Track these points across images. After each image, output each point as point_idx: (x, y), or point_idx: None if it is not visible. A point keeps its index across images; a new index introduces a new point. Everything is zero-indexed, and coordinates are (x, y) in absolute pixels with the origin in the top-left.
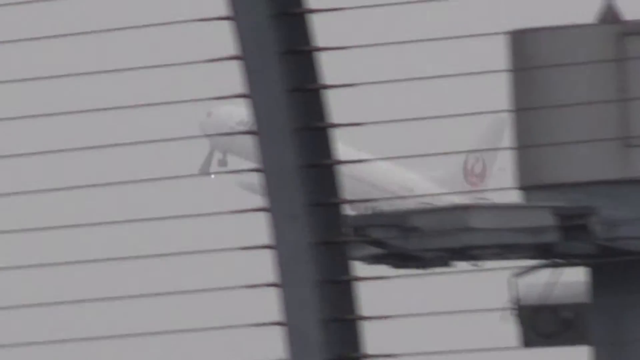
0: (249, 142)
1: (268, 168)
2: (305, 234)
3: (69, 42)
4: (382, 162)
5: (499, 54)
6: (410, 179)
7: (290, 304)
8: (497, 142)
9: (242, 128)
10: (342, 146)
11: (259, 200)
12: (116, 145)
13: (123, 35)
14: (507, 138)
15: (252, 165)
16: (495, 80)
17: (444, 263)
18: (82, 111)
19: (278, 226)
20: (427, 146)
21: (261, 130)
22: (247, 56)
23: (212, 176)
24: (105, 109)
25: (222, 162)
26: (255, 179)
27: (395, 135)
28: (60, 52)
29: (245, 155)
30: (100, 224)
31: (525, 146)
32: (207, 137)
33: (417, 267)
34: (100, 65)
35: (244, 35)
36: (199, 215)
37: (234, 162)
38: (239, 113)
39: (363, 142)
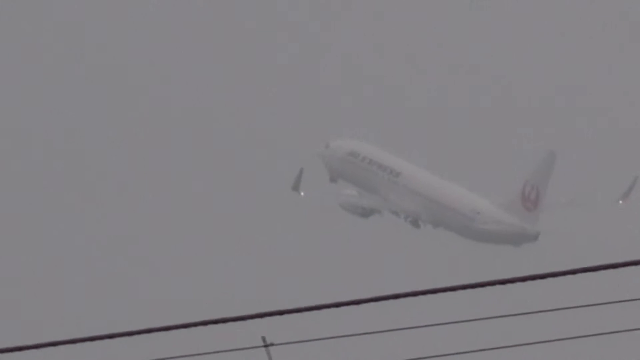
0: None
1: None
2: None
3: None
4: (457, 187)
5: None
6: (482, 203)
7: None
8: (548, 174)
9: (351, 159)
10: (422, 171)
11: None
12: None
13: None
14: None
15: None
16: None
17: None
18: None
19: None
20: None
21: None
22: None
23: (302, 193)
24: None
25: (332, 180)
26: (357, 200)
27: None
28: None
29: (353, 181)
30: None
31: None
32: (323, 163)
33: None
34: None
35: None
36: None
37: (342, 186)
38: (349, 145)
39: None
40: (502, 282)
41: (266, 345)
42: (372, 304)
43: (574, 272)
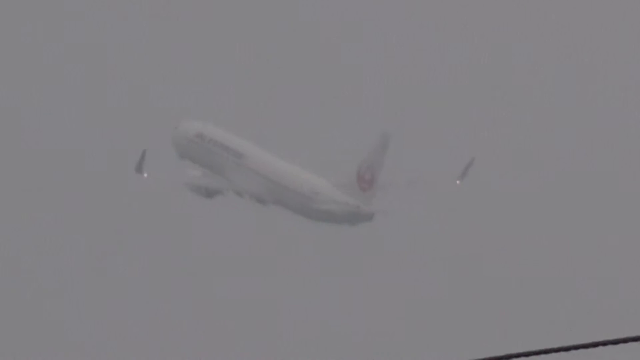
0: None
1: None
2: None
3: None
4: (297, 168)
5: None
6: (320, 183)
7: None
8: (382, 155)
9: (197, 140)
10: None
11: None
12: None
13: None
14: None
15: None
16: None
17: None
18: None
19: None
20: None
21: None
22: None
23: (145, 175)
24: None
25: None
26: (201, 181)
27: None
28: None
29: (199, 162)
30: None
31: None
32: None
33: None
34: None
35: None
36: None
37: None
38: (196, 127)
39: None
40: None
41: None
42: None
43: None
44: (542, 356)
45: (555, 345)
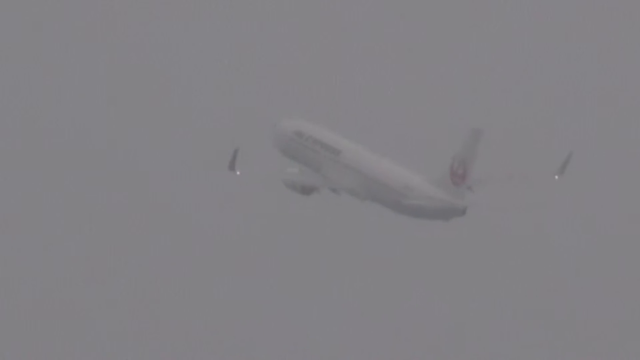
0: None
1: None
2: None
3: None
4: (391, 164)
5: None
6: (414, 179)
7: None
8: (475, 150)
9: (296, 138)
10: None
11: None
12: None
13: None
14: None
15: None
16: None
17: None
18: None
19: None
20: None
21: None
22: None
23: (238, 173)
24: None
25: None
26: (297, 178)
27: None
28: None
29: (298, 159)
30: None
31: None
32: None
33: None
34: None
35: None
36: None
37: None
38: (295, 125)
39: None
40: None
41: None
42: None
43: None
44: None
45: None
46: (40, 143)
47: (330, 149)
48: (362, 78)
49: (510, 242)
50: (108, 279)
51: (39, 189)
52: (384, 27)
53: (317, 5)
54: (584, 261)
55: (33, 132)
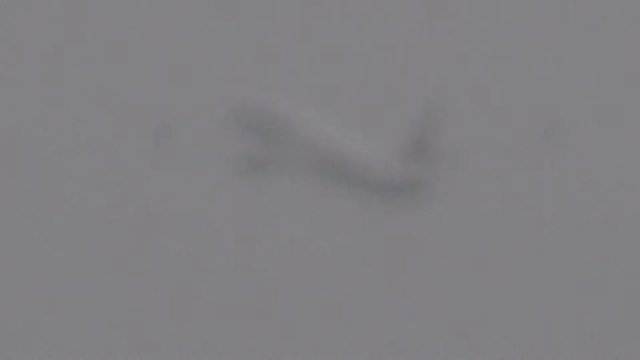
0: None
1: None
2: None
3: None
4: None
5: None
6: (375, 153)
7: None
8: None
9: (255, 113)
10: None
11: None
12: None
13: None
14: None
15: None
16: None
17: None
18: None
19: None
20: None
21: None
22: None
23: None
24: None
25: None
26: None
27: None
28: None
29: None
30: None
31: None
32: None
33: None
34: None
35: None
36: None
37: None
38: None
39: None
40: None
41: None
42: None
43: None
44: None
45: None
46: None
47: (286, 122)
48: (316, 37)
49: (479, 224)
50: (42, 268)
51: None
52: None
53: None
54: (567, 246)
55: None
